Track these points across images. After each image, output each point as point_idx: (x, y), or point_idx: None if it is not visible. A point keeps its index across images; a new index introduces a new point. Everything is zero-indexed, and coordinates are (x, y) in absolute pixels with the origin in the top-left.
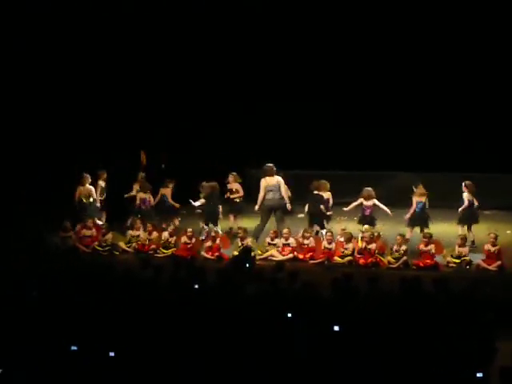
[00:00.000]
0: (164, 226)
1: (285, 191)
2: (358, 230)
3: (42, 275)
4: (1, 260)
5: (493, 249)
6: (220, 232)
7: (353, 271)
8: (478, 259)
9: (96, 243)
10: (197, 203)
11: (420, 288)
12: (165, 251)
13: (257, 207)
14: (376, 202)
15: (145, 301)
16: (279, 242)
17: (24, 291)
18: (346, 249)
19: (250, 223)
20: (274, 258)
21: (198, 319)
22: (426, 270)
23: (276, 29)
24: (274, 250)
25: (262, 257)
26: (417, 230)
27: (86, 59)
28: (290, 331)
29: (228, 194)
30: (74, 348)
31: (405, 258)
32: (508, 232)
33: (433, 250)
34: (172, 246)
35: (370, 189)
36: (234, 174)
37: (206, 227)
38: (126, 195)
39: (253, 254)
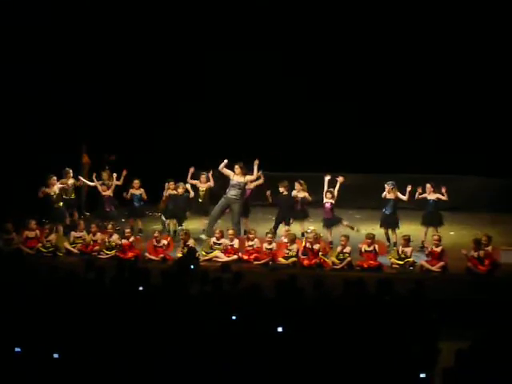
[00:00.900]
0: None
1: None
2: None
3: None
4: None
5: (436, 249)
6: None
7: (297, 272)
8: (421, 260)
9: (40, 245)
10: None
11: (364, 289)
12: (108, 252)
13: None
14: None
15: (89, 302)
16: (224, 242)
17: None
18: (290, 250)
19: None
20: (219, 259)
21: (141, 320)
22: (369, 271)
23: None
24: (219, 252)
25: (206, 258)
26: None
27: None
28: (234, 332)
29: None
30: (17, 350)
31: (349, 259)
32: (451, 233)
33: (376, 250)
34: (115, 247)
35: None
36: (205, 173)
37: (166, 221)
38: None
39: (197, 255)
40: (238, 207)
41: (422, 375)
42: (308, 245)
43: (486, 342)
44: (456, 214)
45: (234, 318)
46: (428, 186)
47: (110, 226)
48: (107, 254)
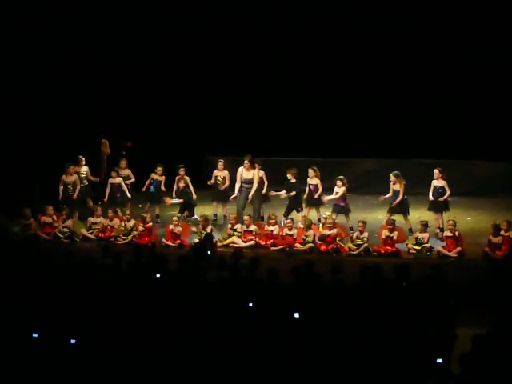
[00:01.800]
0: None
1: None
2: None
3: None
4: None
5: (452, 235)
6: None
7: (314, 258)
8: (438, 245)
9: (57, 230)
10: (174, 201)
11: (381, 275)
12: (125, 238)
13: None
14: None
15: (106, 288)
16: (240, 228)
17: None
18: (306, 235)
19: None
20: (236, 245)
21: (158, 306)
22: (386, 257)
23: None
24: (236, 237)
25: (223, 244)
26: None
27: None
28: (251, 318)
29: (213, 181)
30: (35, 335)
31: (366, 244)
32: (468, 218)
33: (395, 237)
34: (132, 233)
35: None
36: (222, 161)
37: (180, 216)
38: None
39: (214, 241)
40: (257, 196)
41: (439, 361)
42: (326, 230)
43: (503, 327)
44: (471, 199)
45: (250, 305)
46: (436, 171)
47: (128, 211)
48: (124, 240)
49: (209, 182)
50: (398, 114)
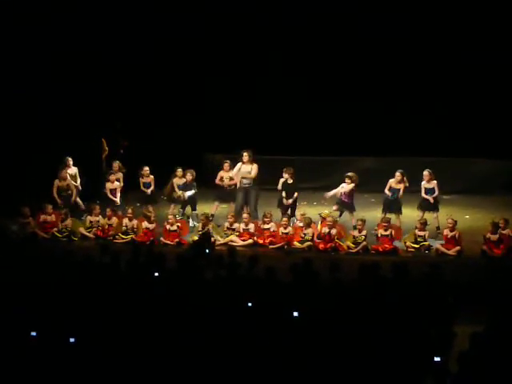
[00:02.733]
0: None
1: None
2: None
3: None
4: None
5: (451, 234)
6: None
7: (312, 256)
8: (437, 243)
9: (55, 229)
10: (188, 193)
11: (379, 273)
12: (124, 237)
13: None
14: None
15: (104, 286)
16: (239, 226)
17: None
18: (305, 234)
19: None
20: (234, 244)
21: (156, 304)
22: (385, 255)
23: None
24: (234, 236)
25: (221, 242)
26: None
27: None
28: (250, 316)
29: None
30: (33, 334)
31: (364, 243)
32: (466, 217)
33: (392, 235)
34: (131, 232)
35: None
36: (228, 161)
37: (182, 211)
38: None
39: (212, 239)
40: (253, 193)
41: (437, 359)
42: (325, 229)
43: (501, 325)
44: (469, 197)
45: (249, 304)
46: (425, 173)
47: (129, 210)
48: (123, 239)
49: (217, 182)
50: (396, 112)
